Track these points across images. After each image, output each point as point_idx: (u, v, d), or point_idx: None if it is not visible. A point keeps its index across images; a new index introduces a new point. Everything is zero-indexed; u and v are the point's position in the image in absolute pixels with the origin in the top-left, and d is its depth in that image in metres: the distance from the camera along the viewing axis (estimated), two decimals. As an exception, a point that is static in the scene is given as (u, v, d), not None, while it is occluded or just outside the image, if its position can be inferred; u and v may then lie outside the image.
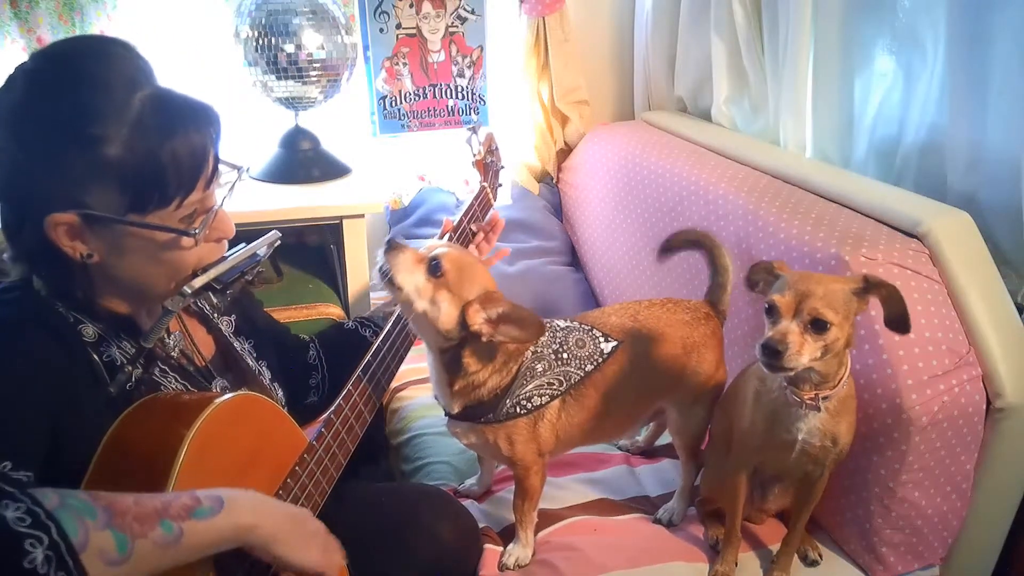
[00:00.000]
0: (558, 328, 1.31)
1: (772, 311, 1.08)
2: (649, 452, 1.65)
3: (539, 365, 1.26)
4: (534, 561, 1.33)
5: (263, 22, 1.86)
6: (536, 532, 1.37)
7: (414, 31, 2.22)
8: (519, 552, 1.32)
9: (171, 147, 0.88)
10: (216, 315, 1.16)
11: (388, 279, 1.15)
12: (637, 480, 1.56)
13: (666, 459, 1.60)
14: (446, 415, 1.29)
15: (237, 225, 1.01)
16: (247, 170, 1.03)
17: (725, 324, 1.45)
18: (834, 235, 1.38)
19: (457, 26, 2.25)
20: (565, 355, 1.28)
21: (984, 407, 1.26)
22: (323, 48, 1.90)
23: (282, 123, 2.06)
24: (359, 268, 1.97)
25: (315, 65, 1.90)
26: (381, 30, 2.19)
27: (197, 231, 0.93)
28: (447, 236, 1.38)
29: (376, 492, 1.39)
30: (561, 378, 1.27)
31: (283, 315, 1.85)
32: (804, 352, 1.05)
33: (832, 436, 1.16)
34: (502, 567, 1.31)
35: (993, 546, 1.40)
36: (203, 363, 1.09)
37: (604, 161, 2.18)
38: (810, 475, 1.23)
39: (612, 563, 1.29)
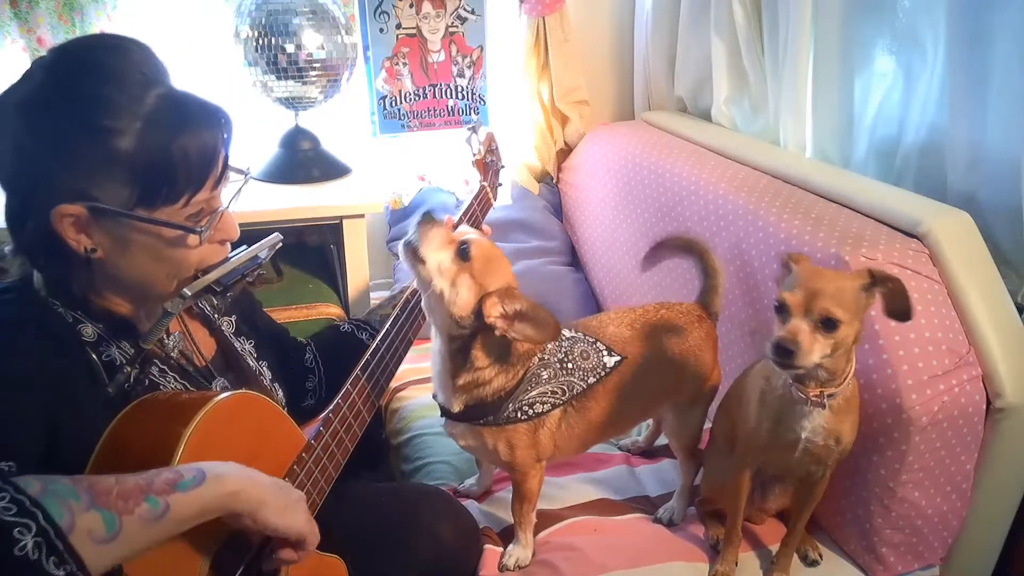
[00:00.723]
0: (564, 337, 1.31)
1: (782, 309, 1.07)
2: (649, 452, 1.65)
3: (544, 372, 1.26)
4: (534, 561, 1.33)
5: (263, 22, 1.86)
6: (536, 532, 1.37)
7: (414, 31, 2.22)
8: (519, 553, 1.32)
9: (183, 143, 0.88)
10: (217, 316, 1.16)
11: (413, 251, 1.14)
12: (637, 480, 1.56)
13: (666, 459, 1.60)
14: (443, 415, 1.28)
15: (237, 225, 1.01)
16: (250, 173, 1.04)
17: (718, 326, 1.45)
18: (834, 235, 1.38)
19: (457, 26, 2.25)
20: (570, 365, 1.28)
21: (984, 407, 1.26)
22: (323, 48, 1.90)
23: (282, 123, 2.06)
24: (359, 268, 1.97)
25: (315, 65, 1.90)
26: (381, 30, 2.19)
27: (203, 229, 0.93)
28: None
29: (376, 492, 1.39)
30: (564, 387, 1.27)
31: (283, 315, 1.84)
32: (815, 351, 1.05)
33: (835, 435, 1.16)
34: (502, 568, 1.31)
35: (993, 546, 1.40)
36: (203, 363, 1.08)
37: (604, 161, 2.17)
38: (812, 475, 1.23)
39: (612, 563, 1.29)
